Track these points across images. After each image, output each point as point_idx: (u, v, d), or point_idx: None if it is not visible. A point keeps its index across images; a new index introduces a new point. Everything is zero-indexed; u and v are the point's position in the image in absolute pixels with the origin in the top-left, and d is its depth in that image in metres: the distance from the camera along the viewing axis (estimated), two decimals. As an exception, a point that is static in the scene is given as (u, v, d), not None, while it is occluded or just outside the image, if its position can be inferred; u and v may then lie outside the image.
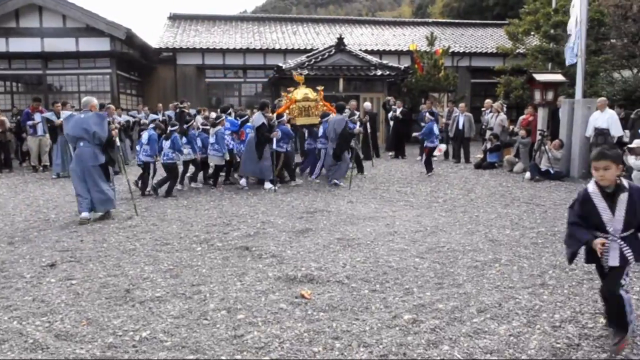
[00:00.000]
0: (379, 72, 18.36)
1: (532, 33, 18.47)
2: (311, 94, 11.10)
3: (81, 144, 6.84)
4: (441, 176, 10.97)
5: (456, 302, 3.96)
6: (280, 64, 18.24)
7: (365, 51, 20.56)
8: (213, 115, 16.27)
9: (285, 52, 21.61)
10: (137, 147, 9.61)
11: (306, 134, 11.48)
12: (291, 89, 11.59)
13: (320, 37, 23.63)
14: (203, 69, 21.59)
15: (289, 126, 10.15)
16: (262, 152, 9.44)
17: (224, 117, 10.32)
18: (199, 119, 16.25)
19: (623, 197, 3.10)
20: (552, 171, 10.43)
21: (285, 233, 6.16)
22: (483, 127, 13.67)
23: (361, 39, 23.86)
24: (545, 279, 4.48)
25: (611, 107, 10.51)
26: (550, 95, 11.47)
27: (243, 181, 9.83)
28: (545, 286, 4.31)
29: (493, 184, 10.00)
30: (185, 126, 9.83)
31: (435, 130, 11.20)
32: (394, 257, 5.15)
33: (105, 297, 4.12)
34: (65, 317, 3.74)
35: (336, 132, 9.73)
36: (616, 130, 9.94)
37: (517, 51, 19.15)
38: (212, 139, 9.83)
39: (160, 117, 15.46)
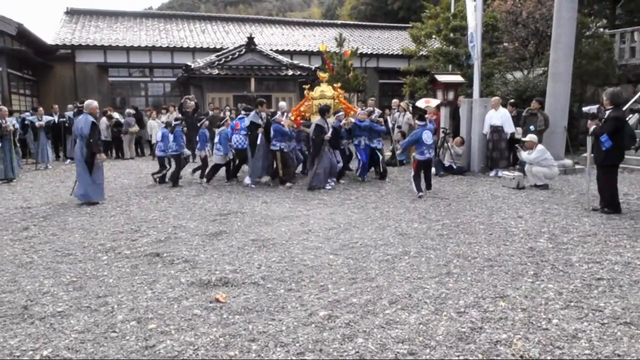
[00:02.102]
0: (290, 72, 18.47)
1: (434, 36, 19.48)
2: (329, 91, 10.79)
3: (77, 140, 8.17)
4: (353, 174, 11.22)
5: (369, 295, 4.08)
6: (189, 63, 17.78)
7: (276, 51, 20.60)
8: (116, 115, 15.58)
9: (194, 51, 21.07)
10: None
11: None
12: (307, 86, 11.32)
13: (230, 36, 23.29)
14: (105, 67, 20.47)
15: (287, 125, 9.79)
16: (254, 151, 9.61)
17: (227, 117, 10.66)
18: (104, 120, 15.45)
19: None
20: (454, 166, 11.08)
21: (198, 237, 6.01)
22: (391, 125, 14.19)
23: (272, 39, 23.84)
24: (450, 268, 4.75)
25: (504, 105, 11.34)
26: (451, 95, 12.15)
27: (247, 179, 9.93)
28: (451, 275, 4.57)
29: (401, 179, 10.42)
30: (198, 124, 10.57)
31: (427, 138, 8.59)
32: (308, 255, 5.20)
33: (0, 316, 3.79)
34: (-49, 341, 3.38)
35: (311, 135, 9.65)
36: (509, 127, 10.76)
37: (421, 53, 20.09)
38: (216, 139, 10.26)
39: (55, 118, 14.41)
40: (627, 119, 7.27)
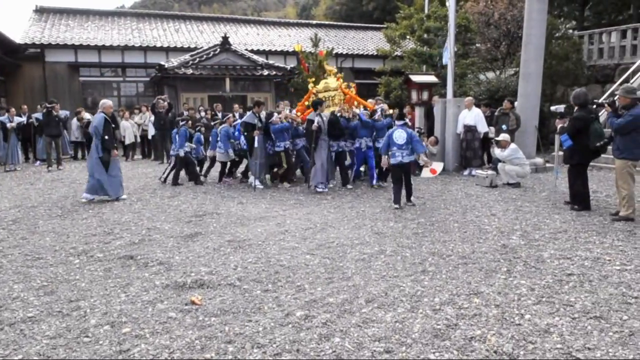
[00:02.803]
0: (265, 72, 18.39)
1: (408, 37, 19.65)
2: (333, 83, 10.43)
3: (93, 139, 8.48)
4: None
5: (346, 294, 4.10)
6: (163, 63, 17.55)
7: (251, 51, 20.48)
8: (87, 115, 15.25)
9: (168, 50, 20.78)
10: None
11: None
12: (312, 79, 11.02)
13: (204, 36, 23.05)
14: (76, 67, 20.00)
15: (284, 117, 9.55)
16: (251, 151, 9.42)
17: (230, 115, 10.61)
18: (75, 121, 15.13)
19: None
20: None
21: (172, 239, 5.94)
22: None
23: (247, 38, 23.69)
24: (426, 266, 4.80)
25: (477, 105, 11.51)
26: (425, 95, 12.28)
27: (254, 180, 9.62)
28: (426, 273, 4.62)
29: (378, 179, 10.47)
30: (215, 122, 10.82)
31: (398, 137, 7.60)
32: (285, 255, 5.19)
33: (-35, 323, 3.67)
34: None
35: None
36: (482, 126, 10.93)
37: (395, 53, 20.23)
38: (218, 137, 10.29)
39: (24, 119, 14.04)
40: (599, 114, 7.45)
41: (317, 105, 9.23)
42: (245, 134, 9.51)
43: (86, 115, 15.33)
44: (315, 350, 3.18)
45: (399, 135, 7.61)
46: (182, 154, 10.01)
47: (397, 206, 7.50)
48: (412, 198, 7.77)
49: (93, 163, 8.40)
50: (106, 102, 8.71)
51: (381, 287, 4.26)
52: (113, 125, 8.87)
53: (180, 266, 4.90)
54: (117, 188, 8.54)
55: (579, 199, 7.20)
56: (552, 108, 8.09)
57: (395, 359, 3.08)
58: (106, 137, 8.31)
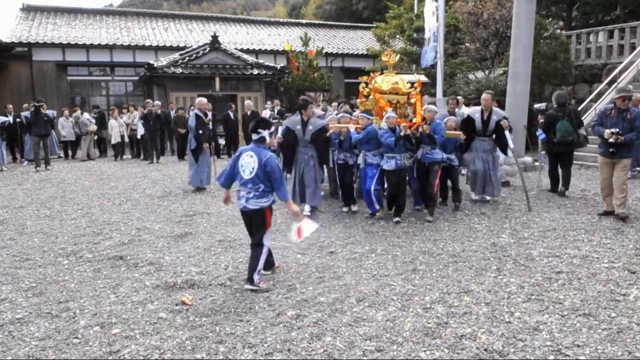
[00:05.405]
0: (255, 71, 18.32)
1: (398, 36, 19.70)
2: (403, 85, 7.67)
3: (190, 134, 9.24)
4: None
5: (337, 293, 4.10)
6: (152, 62, 17.43)
7: (241, 50, 20.41)
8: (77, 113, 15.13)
9: (157, 49, 20.64)
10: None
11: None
12: (363, 77, 8.16)
13: (193, 35, 22.94)
14: (64, 66, 19.80)
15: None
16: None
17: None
18: (62, 120, 14.99)
19: None
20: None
21: (163, 239, 5.91)
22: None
23: (236, 37, 23.62)
24: (416, 265, 4.82)
25: (467, 105, 11.56)
26: (415, 94, 12.32)
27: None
28: (417, 271, 4.64)
29: (368, 178, 10.48)
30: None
31: (245, 166, 4.46)
32: (276, 255, 5.17)
33: (-48, 325, 3.63)
34: None
35: None
36: (472, 125, 10.99)
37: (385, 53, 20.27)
38: None
39: (10, 119, 13.87)
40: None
41: (301, 107, 7.17)
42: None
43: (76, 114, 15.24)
44: (306, 350, 3.18)
45: (247, 161, 4.41)
46: None
47: (266, 272, 4.57)
48: (255, 276, 4.26)
49: (191, 156, 9.19)
50: (202, 100, 9.26)
51: (372, 286, 4.27)
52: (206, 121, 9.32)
53: (171, 266, 4.88)
54: (199, 179, 9.10)
55: (551, 181, 8.29)
56: (535, 106, 8.55)
57: (387, 357, 3.09)
58: (200, 132, 8.92)
